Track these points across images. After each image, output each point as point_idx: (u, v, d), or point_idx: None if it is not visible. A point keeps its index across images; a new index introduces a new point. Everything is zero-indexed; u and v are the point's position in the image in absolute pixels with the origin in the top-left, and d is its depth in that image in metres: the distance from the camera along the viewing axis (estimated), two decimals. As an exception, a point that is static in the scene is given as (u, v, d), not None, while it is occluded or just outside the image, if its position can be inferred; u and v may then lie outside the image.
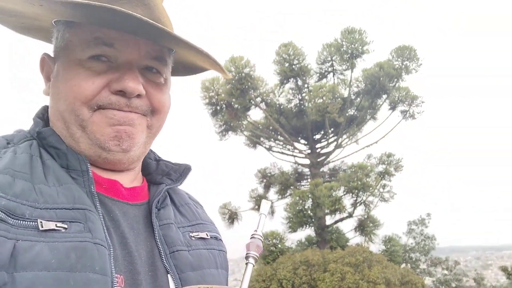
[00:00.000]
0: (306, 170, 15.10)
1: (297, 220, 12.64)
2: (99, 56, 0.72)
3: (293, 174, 14.90)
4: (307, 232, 13.96)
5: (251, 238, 0.66)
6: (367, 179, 13.16)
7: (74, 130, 0.73)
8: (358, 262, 11.60)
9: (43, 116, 0.79)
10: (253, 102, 13.66)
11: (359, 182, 12.85)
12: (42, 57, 0.81)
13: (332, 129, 14.29)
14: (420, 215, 20.43)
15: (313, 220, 13.07)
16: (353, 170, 13.36)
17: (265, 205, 0.70)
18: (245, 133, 14.69)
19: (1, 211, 0.58)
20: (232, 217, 14.01)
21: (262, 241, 0.66)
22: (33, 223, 0.59)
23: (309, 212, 12.75)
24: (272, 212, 14.50)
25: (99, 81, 0.71)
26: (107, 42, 0.71)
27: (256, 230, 0.67)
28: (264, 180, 14.65)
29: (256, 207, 14.24)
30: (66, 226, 0.62)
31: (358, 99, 14.46)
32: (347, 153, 15.38)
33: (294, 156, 14.88)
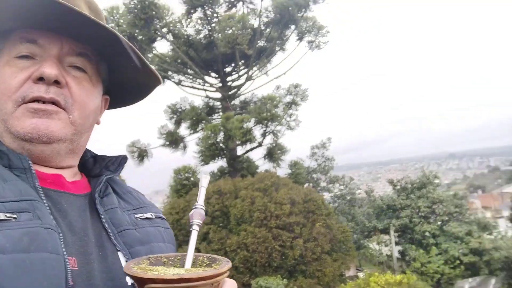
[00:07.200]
0: (218, 104, 15.10)
1: (209, 153, 12.91)
2: (25, 55, 0.78)
3: (204, 108, 14.83)
4: (219, 163, 14.40)
5: (193, 208, 0.75)
6: (276, 110, 13.68)
7: None
8: (267, 187, 12.49)
9: None
10: (159, 33, 12.84)
11: (269, 113, 13.31)
12: None
13: (242, 61, 14.22)
14: (322, 139, 22.23)
15: (225, 152, 13.45)
16: (263, 101, 13.73)
17: (204, 179, 0.77)
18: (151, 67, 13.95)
19: None
20: (141, 154, 13.78)
21: (204, 211, 0.74)
22: None
23: (221, 144, 13.05)
24: (184, 147, 14.59)
25: (22, 75, 0.77)
26: (30, 39, 0.78)
27: (197, 202, 0.75)
28: (175, 116, 14.41)
29: (167, 143, 14.15)
30: (15, 216, 0.64)
31: (268, 29, 14.41)
32: (258, 85, 15.62)
33: (205, 90, 14.69)
